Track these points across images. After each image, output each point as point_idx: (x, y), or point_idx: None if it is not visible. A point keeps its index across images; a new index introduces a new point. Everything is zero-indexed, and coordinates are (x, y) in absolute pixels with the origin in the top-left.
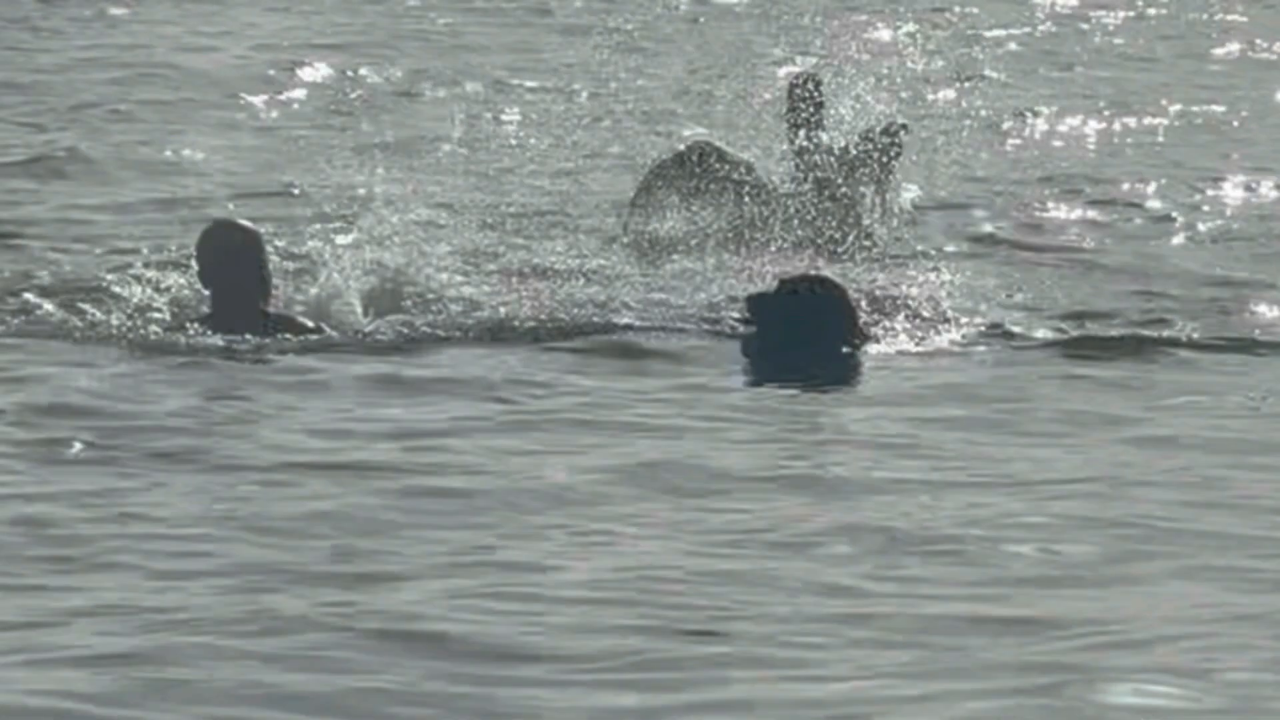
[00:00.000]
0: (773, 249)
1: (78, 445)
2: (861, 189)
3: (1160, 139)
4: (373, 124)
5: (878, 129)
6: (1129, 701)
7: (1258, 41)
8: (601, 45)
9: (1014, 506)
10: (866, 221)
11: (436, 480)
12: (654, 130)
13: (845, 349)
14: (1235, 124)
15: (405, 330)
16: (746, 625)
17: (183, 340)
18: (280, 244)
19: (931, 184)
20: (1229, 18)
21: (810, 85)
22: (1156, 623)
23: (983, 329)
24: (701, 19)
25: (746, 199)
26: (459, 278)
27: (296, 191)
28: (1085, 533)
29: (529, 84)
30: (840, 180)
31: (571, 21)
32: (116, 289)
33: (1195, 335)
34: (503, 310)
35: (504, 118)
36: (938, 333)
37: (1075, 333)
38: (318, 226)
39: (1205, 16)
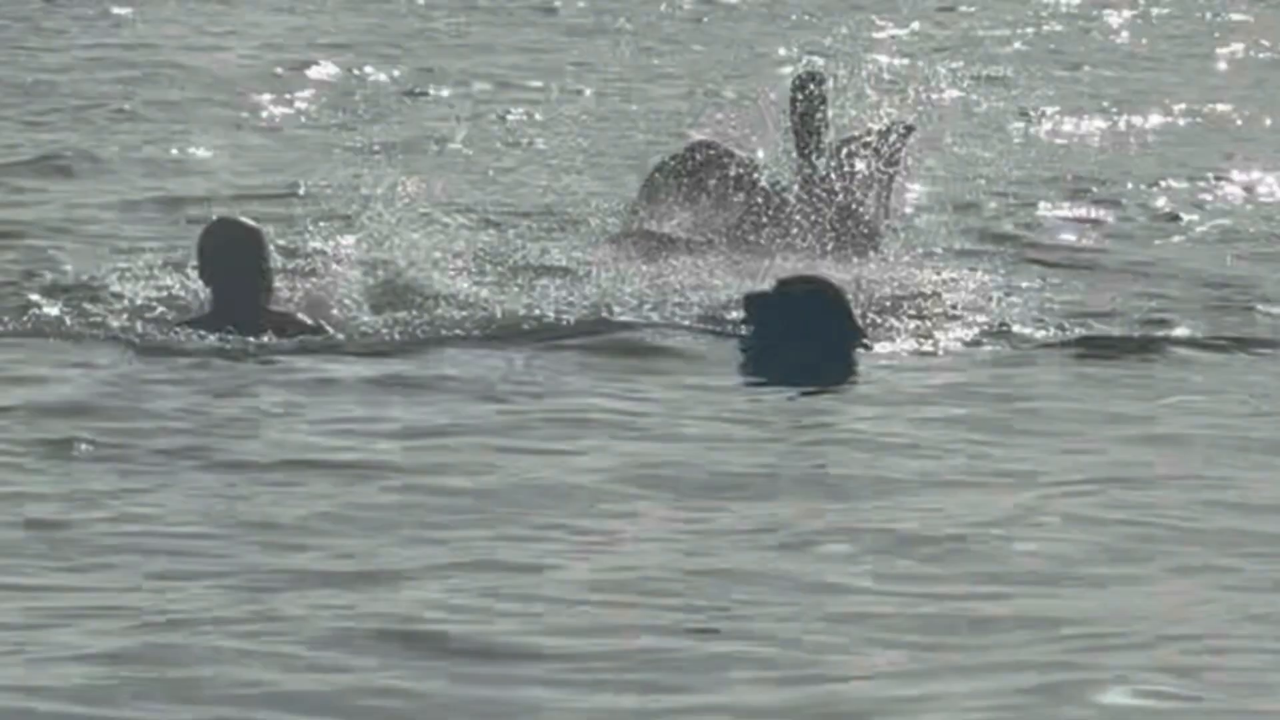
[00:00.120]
0: (776, 248)
1: (78, 444)
2: (865, 188)
3: (1165, 138)
4: (377, 123)
5: (882, 128)
6: (1131, 702)
7: (1262, 41)
8: (606, 45)
9: (1015, 506)
10: (869, 221)
11: (436, 479)
12: (658, 129)
13: (844, 349)
14: (1239, 123)
15: (406, 330)
16: (747, 625)
17: (183, 338)
18: (283, 242)
19: (936, 183)
20: (1234, 18)
21: (813, 84)
22: (1158, 622)
23: (985, 328)
24: (705, 18)
25: (750, 198)
26: (460, 277)
27: (300, 191)
28: (1087, 532)
29: (533, 83)
30: (843, 179)
31: (576, 21)
32: (119, 288)
33: (1199, 334)
34: (503, 310)
35: (508, 117)
36: (939, 332)
37: (1078, 332)
38: (321, 225)
39: (1210, 16)
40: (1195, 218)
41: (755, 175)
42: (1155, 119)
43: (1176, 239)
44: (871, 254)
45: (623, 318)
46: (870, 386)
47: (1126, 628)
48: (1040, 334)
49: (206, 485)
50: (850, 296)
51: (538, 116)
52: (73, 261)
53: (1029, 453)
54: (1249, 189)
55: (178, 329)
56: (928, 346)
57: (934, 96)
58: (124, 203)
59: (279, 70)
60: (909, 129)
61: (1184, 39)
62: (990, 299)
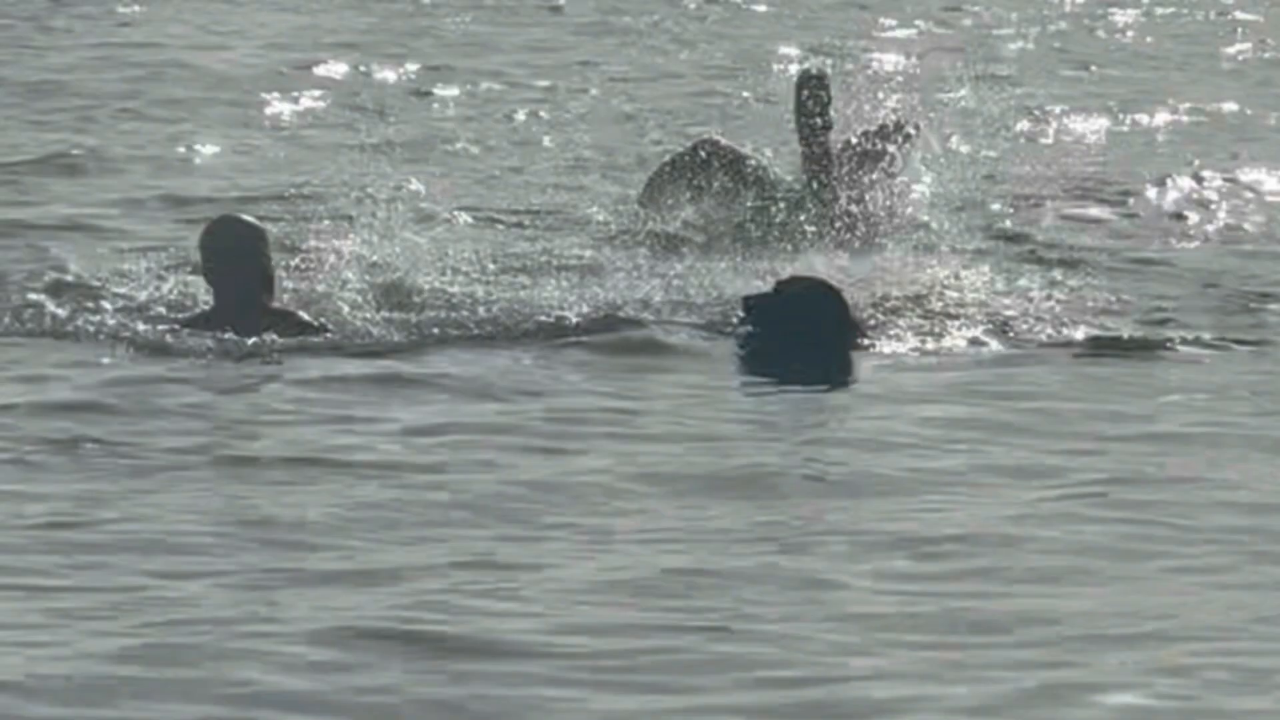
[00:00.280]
0: (780, 247)
1: (79, 443)
2: (869, 188)
3: (1171, 137)
4: (383, 122)
5: (886, 127)
6: (1131, 701)
7: (1268, 40)
8: (612, 44)
9: (1016, 505)
10: (873, 220)
11: (436, 479)
12: (664, 128)
13: (843, 349)
14: (1245, 122)
15: (407, 329)
16: (747, 625)
17: (185, 337)
18: (286, 241)
19: (940, 182)
20: (1240, 16)
21: (817, 83)
22: (1159, 622)
23: (988, 327)
24: (711, 18)
25: (754, 196)
26: (462, 276)
27: (305, 190)
28: (1088, 532)
29: (540, 82)
30: (847, 178)
31: (582, 20)
32: (121, 286)
33: (1202, 334)
34: (504, 310)
35: (514, 116)
36: (941, 331)
37: (1081, 330)
38: (325, 224)
39: (1216, 15)
40: (1200, 216)
41: (760, 174)
42: (1161, 118)
43: (1181, 238)
44: (875, 253)
45: (623, 317)
46: (871, 386)
47: (1127, 627)
48: (1043, 333)
49: (207, 484)
50: (850, 296)
51: (544, 115)
52: (76, 260)
53: (1030, 452)
54: (1255, 188)
55: (179, 327)
56: (929, 345)
57: (939, 95)
58: (128, 201)
59: (285, 69)
60: (914, 127)
61: (1190, 38)
62: (993, 298)
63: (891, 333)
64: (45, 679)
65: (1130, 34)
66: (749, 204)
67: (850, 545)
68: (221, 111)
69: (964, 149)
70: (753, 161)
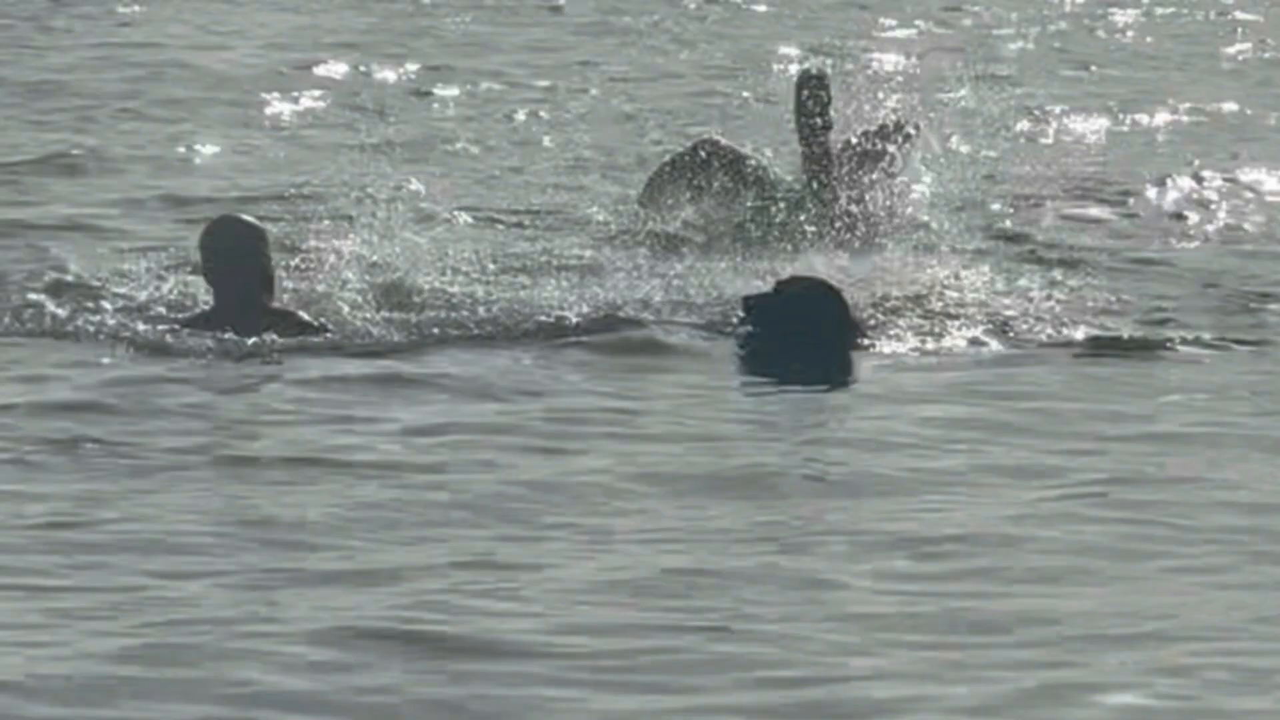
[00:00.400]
0: (779, 246)
1: (79, 442)
2: (868, 187)
3: (1171, 137)
4: (383, 122)
5: (888, 127)
6: (1131, 702)
7: (1268, 40)
8: (612, 44)
9: (1016, 505)
10: (873, 219)
11: (436, 479)
12: (664, 128)
13: (843, 348)
14: (1246, 123)
15: (407, 329)
16: (747, 625)
17: (185, 337)
18: (286, 241)
19: (940, 182)
20: (1240, 16)
21: (817, 83)
22: (1161, 622)
23: (988, 327)
24: (709, 18)
25: (754, 196)
26: (462, 276)
27: (305, 190)
28: (1089, 532)
29: (540, 83)
30: (847, 178)
31: (582, 20)
32: (121, 286)
33: (1203, 334)
34: (504, 310)
35: (514, 116)
36: (941, 331)
37: (1081, 330)
38: (325, 224)
39: (1216, 15)
40: (1200, 216)
41: (760, 174)
42: (1161, 118)
43: (1181, 238)
44: (875, 253)
45: (623, 317)
46: (871, 386)
47: (1127, 627)
48: (1043, 333)
49: (207, 484)
50: (850, 296)
51: (544, 115)
52: (76, 259)
53: (1030, 452)
54: (1255, 188)
55: (179, 327)
56: (929, 345)
57: (938, 96)
58: (129, 201)
59: (285, 69)
60: (914, 127)
61: (1190, 38)
62: (993, 298)
63: (891, 333)
64: (45, 679)
65: (1130, 34)
66: (749, 204)
67: (850, 545)
68: (221, 111)
69: (964, 149)
70: (753, 161)
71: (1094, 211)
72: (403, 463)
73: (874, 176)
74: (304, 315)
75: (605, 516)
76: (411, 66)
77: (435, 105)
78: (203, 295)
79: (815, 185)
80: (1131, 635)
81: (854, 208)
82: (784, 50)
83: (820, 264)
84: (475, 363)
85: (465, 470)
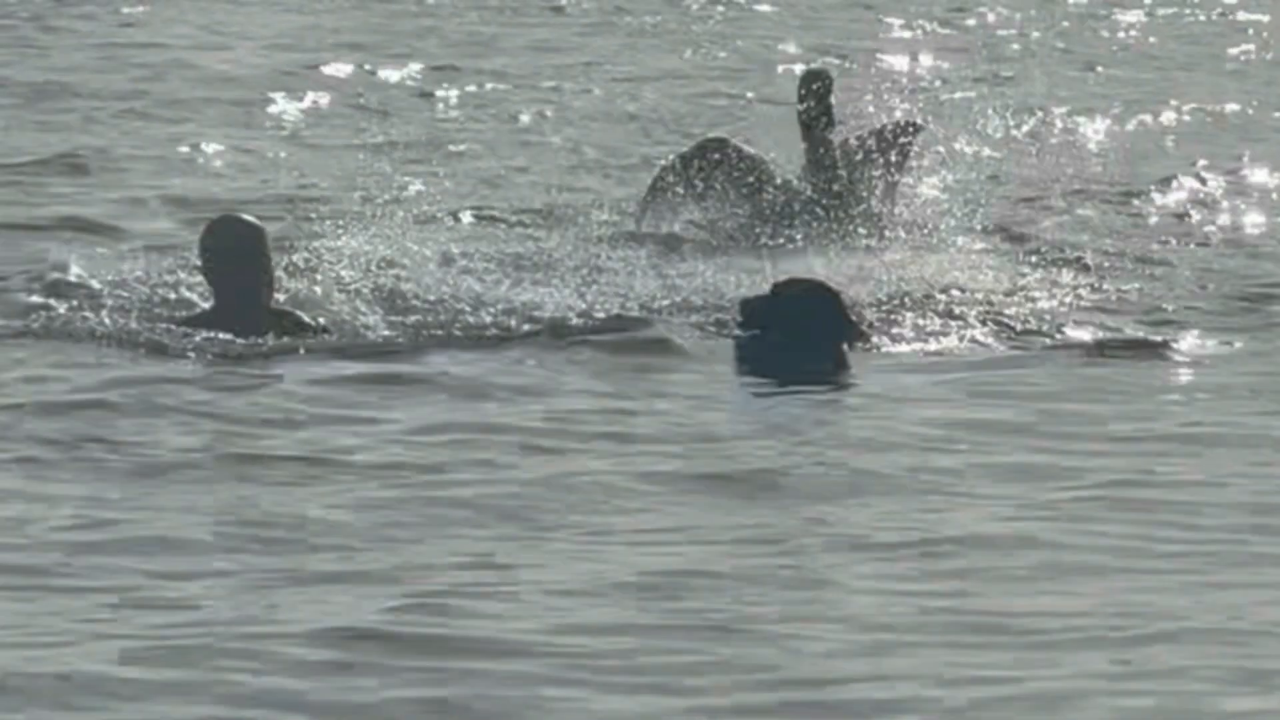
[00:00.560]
0: (783, 246)
1: (78, 443)
2: (872, 186)
3: (1175, 138)
4: (387, 123)
5: (889, 127)
6: (1135, 702)
7: (1273, 41)
8: (616, 44)
9: (1017, 506)
10: (875, 219)
11: (436, 479)
12: (669, 128)
13: (843, 350)
14: (1249, 123)
15: (408, 329)
16: (748, 625)
17: (185, 336)
18: (287, 241)
19: (944, 182)
20: (1245, 17)
21: (820, 81)
22: (1162, 622)
23: (989, 327)
24: (713, 19)
25: (759, 196)
26: (462, 277)
27: (307, 190)
28: (1091, 532)
29: (544, 83)
30: (851, 177)
31: (586, 21)
32: (123, 287)
33: (1207, 334)
34: (505, 310)
35: (519, 117)
36: (943, 331)
37: (1083, 331)
38: (327, 225)
39: (1221, 16)
40: (1204, 217)
41: (765, 174)
42: (1165, 118)
43: (1184, 238)
44: (877, 253)
45: (623, 317)
46: (871, 386)
47: (1130, 628)
48: (1044, 333)
49: (208, 484)
50: (849, 297)
51: (547, 115)
52: (77, 259)
53: (1031, 453)
54: (1259, 188)
55: (180, 327)
56: (930, 346)
57: (945, 96)
58: (131, 201)
59: (288, 70)
60: (916, 127)
61: (1195, 39)
62: (994, 298)
63: (892, 333)
64: (45, 679)
65: (1135, 35)
66: (753, 204)
67: (850, 546)
68: (224, 112)
69: (967, 149)
70: (758, 160)
71: (1097, 212)
72: (403, 463)
73: (878, 176)
74: (303, 315)
75: (605, 516)
76: (415, 67)
77: (439, 105)
78: (204, 295)
79: (819, 184)
80: (1133, 636)
81: (857, 207)
82: (788, 50)
83: (820, 264)
84: (475, 363)
85: (465, 470)
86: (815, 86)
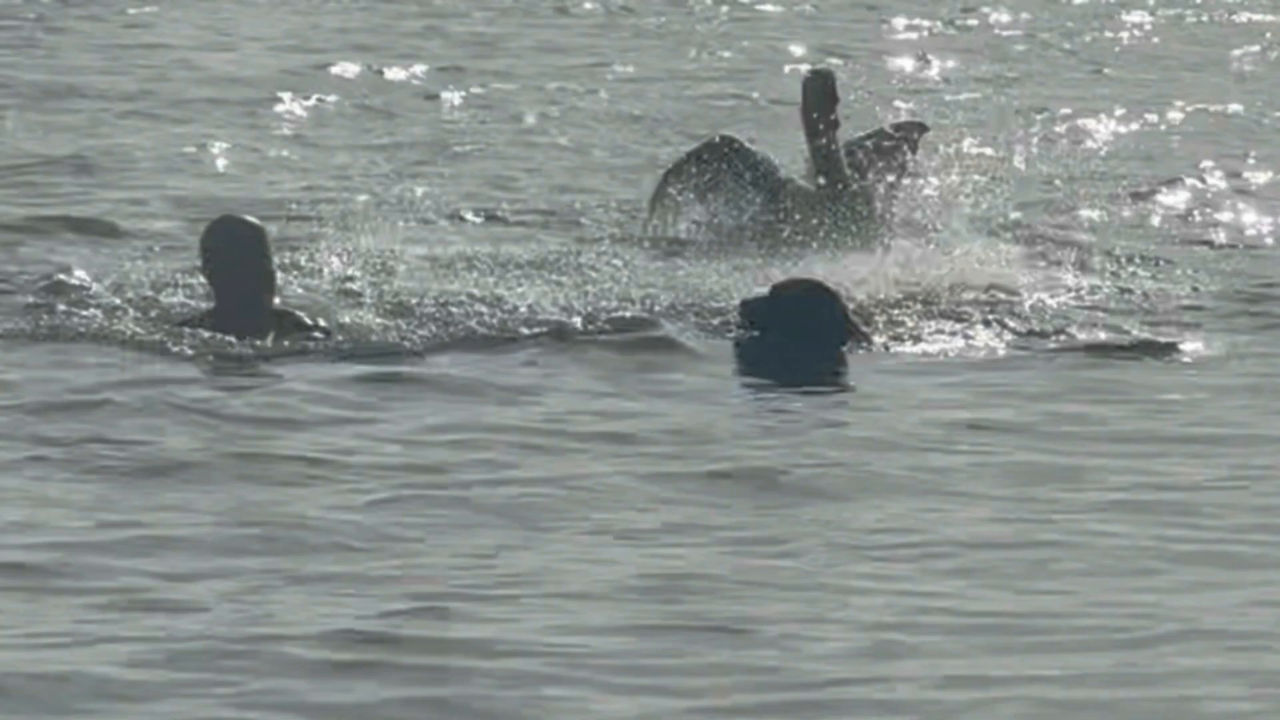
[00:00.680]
0: (788, 247)
1: (79, 443)
2: (877, 187)
3: (1180, 139)
4: (391, 123)
5: (894, 127)
6: (1137, 704)
7: (1277, 42)
8: (622, 44)
9: (1018, 506)
10: (880, 219)
11: (437, 479)
12: (674, 129)
13: (842, 350)
14: (1255, 124)
15: (408, 330)
16: (748, 626)
17: (186, 336)
18: (288, 241)
19: (947, 183)
20: (1254, 18)
21: (825, 81)
22: (1163, 623)
23: (990, 328)
24: (718, 19)
25: (764, 196)
26: (464, 277)
27: (311, 190)
28: (1091, 533)
29: (549, 84)
30: (855, 176)
31: (592, 21)
32: (125, 287)
33: (1211, 335)
34: (505, 310)
35: (522, 117)
36: (944, 332)
37: (1086, 332)
38: (327, 225)
39: (1228, 17)
40: (1209, 217)
41: (771, 174)
42: (1171, 119)
43: (1189, 239)
44: (880, 253)
45: (624, 318)
46: (871, 386)
47: (1132, 629)
48: (1046, 333)
49: (208, 484)
50: (849, 297)
51: (554, 115)
52: (79, 259)
53: (1031, 453)
54: (1265, 189)
55: (181, 327)
56: (930, 346)
57: (950, 97)
58: (134, 201)
59: (295, 70)
60: (921, 128)
61: (1200, 39)
62: (997, 298)
63: (892, 333)
64: (45, 679)
65: (1141, 35)
66: (759, 204)
67: (850, 546)
68: (229, 112)
69: (972, 150)
70: (766, 160)
71: (1101, 212)
72: (403, 463)
73: (882, 176)
74: (304, 316)
75: (605, 517)
76: (420, 68)
77: (444, 106)
78: (205, 296)
79: (823, 185)
80: (1134, 637)
81: (862, 208)
82: (793, 51)
83: (820, 265)
84: (475, 363)
85: (465, 470)
86: (820, 87)
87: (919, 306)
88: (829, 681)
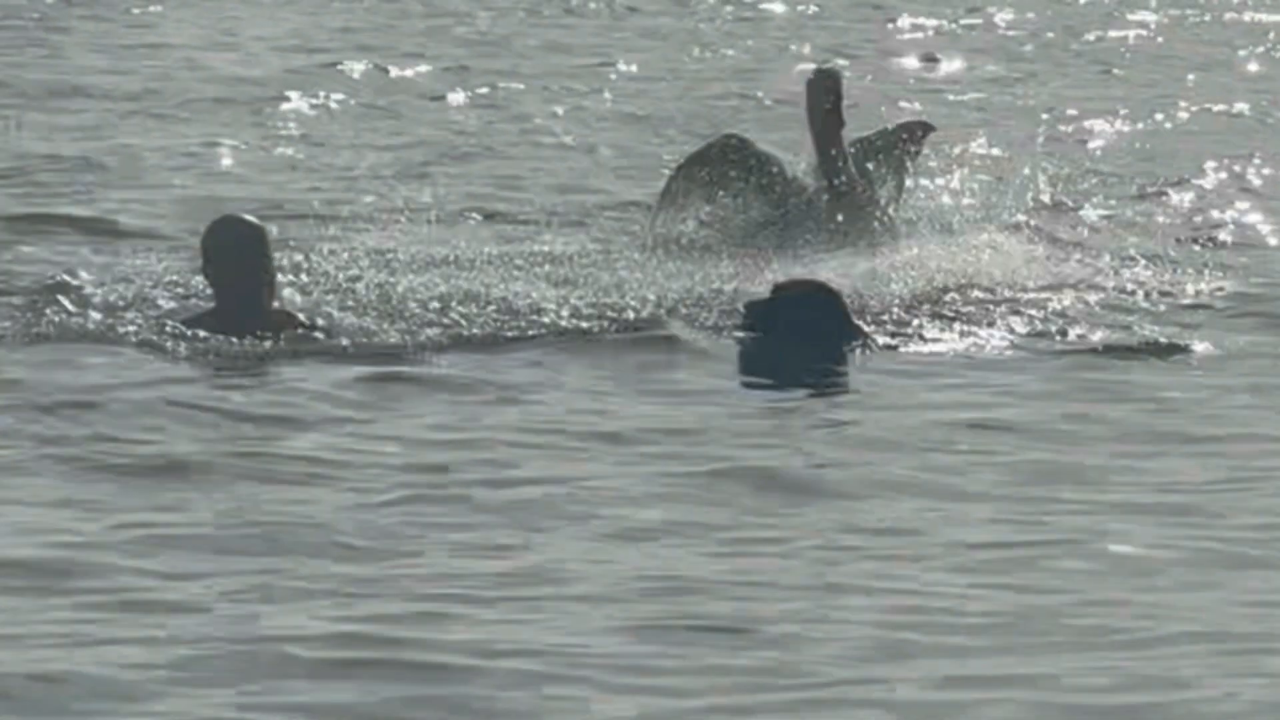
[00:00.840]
0: (793, 247)
1: (78, 443)
2: (880, 186)
3: (1186, 138)
4: (396, 123)
5: (899, 127)
6: (1139, 706)
7: None
8: (628, 44)
9: (1018, 506)
10: (885, 219)
11: (437, 479)
12: (679, 128)
13: (845, 350)
14: (1260, 124)
15: (408, 330)
16: (749, 626)
17: (186, 337)
18: (289, 241)
19: (951, 182)
20: (1261, 18)
21: (831, 81)
22: (1171, 624)
23: (994, 328)
24: (723, 19)
25: (770, 196)
26: (465, 277)
27: (315, 190)
28: (1093, 533)
29: (555, 85)
30: (859, 175)
31: (598, 21)
32: (125, 286)
33: (1215, 335)
34: (506, 310)
35: (529, 117)
36: (945, 332)
37: (1089, 332)
38: (330, 225)
39: (1234, 17)
40: (1215, 217)
41: (777, 173)
42: (1177, 119)
43: (1195, 239)
44: (883, 253)
45: (625, 318)
46: (872, 386)
47: (1134, 630)
48: (1048, 333)
49: (208, 485)
50: (850, 297)
51: (560, 115)
52: (80, 259)
53: (1032, 453)
54: (1270, 189)
55: (181, 328)
56: (931, 346)
57: (953, 96)
58: (136, 201)
59: (300, 70)
60: (926, 128)
61: (1209, 39)
62: (999, 297)
63: (893, 333)
64: (46, 679)
65: (1146, 35)
66: (765, 204)
67: (850, 546)
68: (233, 112)
69: (978, 150)
70: (773, 158)
71: (1106, 212)
72: (403, 463)
73: (886, 176)
74: (304, 316)
75: (605, 517)
76: (425, 67)
77: (449, 106)
78: (205, 296)
79: (828, 184)
80: (1136, 638)
81: (867, 207)
82: (797, 50)
83: (824, 265)
84: (475, 363)
85: (466, 471)
86: (826, 85)
87: (920, 306)
88: (829, 681)
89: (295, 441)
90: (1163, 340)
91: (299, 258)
